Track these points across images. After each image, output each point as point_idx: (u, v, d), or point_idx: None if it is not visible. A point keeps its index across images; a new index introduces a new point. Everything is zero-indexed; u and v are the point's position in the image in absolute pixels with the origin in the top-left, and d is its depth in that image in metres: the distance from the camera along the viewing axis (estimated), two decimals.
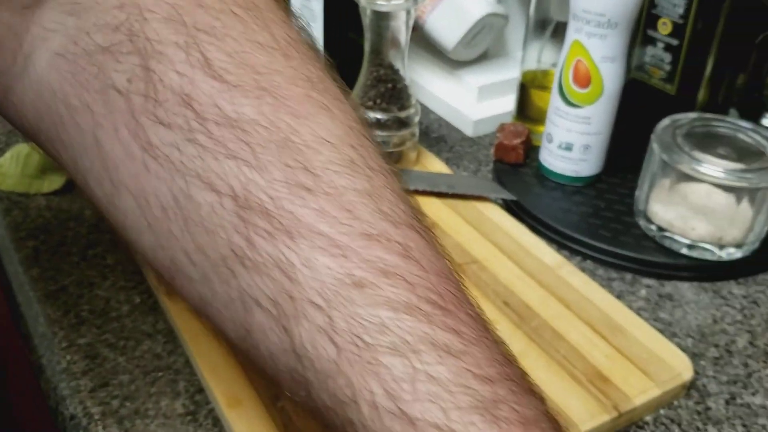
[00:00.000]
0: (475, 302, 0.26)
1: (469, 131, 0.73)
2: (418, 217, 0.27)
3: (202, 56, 0.26)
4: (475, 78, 0.75)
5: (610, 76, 0.57)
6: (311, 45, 0.29)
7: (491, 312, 0.48)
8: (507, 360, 0.25)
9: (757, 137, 0.54)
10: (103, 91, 0.27)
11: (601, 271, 0.55)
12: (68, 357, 0.47)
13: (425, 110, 0.77)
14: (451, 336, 0.23)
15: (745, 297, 0.53)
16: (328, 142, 0.26)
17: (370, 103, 0.61)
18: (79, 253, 0.55)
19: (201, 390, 0.44)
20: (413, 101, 0.63)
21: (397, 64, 0.61)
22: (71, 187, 0.61)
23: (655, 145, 0.54)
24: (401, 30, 0.59)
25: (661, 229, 0.55)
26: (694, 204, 0.53)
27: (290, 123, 0.26)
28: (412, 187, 0.60)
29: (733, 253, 0.54)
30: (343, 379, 0.23)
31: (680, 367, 0.45)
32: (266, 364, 0.26)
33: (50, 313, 0.50)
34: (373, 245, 0.24)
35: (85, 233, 0.57)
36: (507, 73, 0.74)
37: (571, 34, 0.57)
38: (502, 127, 0.66)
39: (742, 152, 0.53)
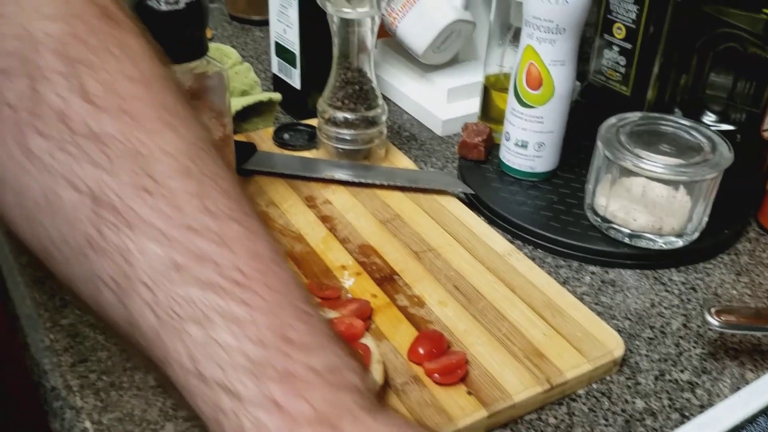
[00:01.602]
0: (284, 272, 0.32)
1: (438, 130, 0.77)
2: (244, 210, 0.33)
3: (79, 84, 0.33)
4: (445, 80, 0.79)
5: (560, 78, 0.61)
6: (170, 78, 0.36)
7: (442, 295, 0.52)
8: (298, 317, 0.30)
9: (697, 134, 0.58)
10: None
11: (550, 259, 0.59)
12: (51, 336, 0.51)
13: (398, 110, 0.81)
14: (242, 308, 0.29)
15: (684, 283, 0.57)
16: (170, 153, 0.32)
17: (339, 104, 0.66)
18: None
19: None
20: (380, 101, 0.67)
21: (365, 67, 0.65)
22: None
23: (599, 143, 0.58)
24: (367, 35, 0.63)
25: (605, 220, 0.59)
26: (636, 197, 0.57)
27: (141, 138, 0.32)
28: (377, 182, 0.64)
29: (673, 242, 0.58)
30: (161, 343, 0.30)
31: (612, 345, 0.49)
32: (116, 330, 0.33)
33: (37, 296, 0.54)
34: (193, 236, 0.30)
35: None
36: (475, 76, 0.78)
37: (524, 39, 0.61)
38: (465, 127, 0.70)
39: (681, 148, 0.57)
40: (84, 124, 0.32)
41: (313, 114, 0.71)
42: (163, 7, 0.50)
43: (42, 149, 0.32)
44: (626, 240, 0.58)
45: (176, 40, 0.51)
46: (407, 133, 0.77)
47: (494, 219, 0.62)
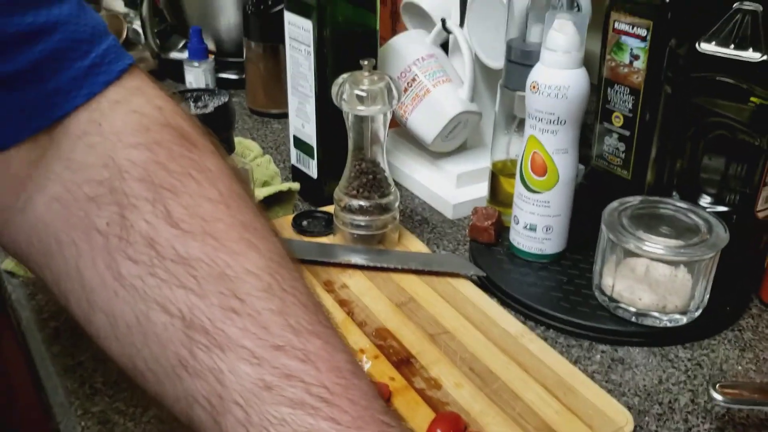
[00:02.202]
0: (364, 384, 0.34)
1: (449, 214, 0.81)
2: (321, 322, 0.35)
3: (165, 209, 0.35)
4: (454, 166, 0.83)
5: (563, 165, 0.64)
6: (248, 195, 0.39)
7: (458, 377, 0.55)
8: (382, 430, 0.33)
9: (694, 216, 0.61)
10: (87, 231, 0.36)
11: (561, 339, 0.61)
12: (83, 423, 0.53)
13: (410, 195, 0.85)
14: (330, 424, 0.31)
15: (689, 360, 0.59)
16: (253, 273, 0.35)
17: (354, 192, 0.69)
18: None
19: None
20: (392, 189, 0.71)
21: (378, 158, 0.69)
22: None
23: (603, 226, 0.61)
24: (380, 129, 0.68)
25: (612, 299, 0.61)
26: (640, 276, 0.60)
27: (226, 259, 0.35)
28: (392, 266, 0.67)
29: (678, 320, 0.60)
30: None
31: (622, 421, 0.51)
32: None
33: (68, 384, 0.56)
34: (280, 355, 0.33)
35: None
36: (483, 162, 0.82)
37: (528, 130, 0.65)
38: (475, 210, 0.73)
39: (680, 230, 0.60)
40: (172, 249, 0.34)
41: (329, 201, 0.75)
42: (194, 111, 0.54)
43: (133, 274, 0.34)
44: (633, 318, 0.60)
45: None
46: (419, 217, 0.81)
47: (506, 300, 0.65)
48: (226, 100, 0.55)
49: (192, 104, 0.54)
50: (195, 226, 0.35)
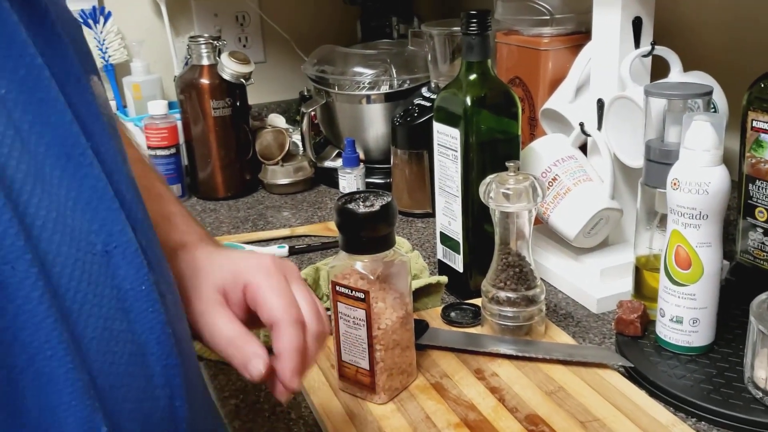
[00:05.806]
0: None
1: (593, 308, 0.83)
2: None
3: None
4: (597, 261, 0.86)
5: (708, 258, 0.66)
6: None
7: None
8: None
9: None
10: None
11: (715, 431, 0.61)
12: None
13: (553, 290, 0.88)
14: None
15: None
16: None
17: (501, 284, 0.74)
18: (270, 409, 0.68)
19: None
20: (538, 282, 0.74)
21: (523, 252, 0.74)
22: None
23: (752, 318, 0.62)
24: (525, 225, 0.73)
25: (766, 393, 0.61)
26: None
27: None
28: (540, 356, 0.70)
29: None
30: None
31: None
32: None
33: None
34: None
35: None
36: (625, 257, 0.84)
37: (670, 225, 0.68)
38: (620, 304, 0.75)
39: None
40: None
41: (473, 294, 0.79)
42: (362, 210, 0.62)
43: None
44: None
45: (373, 235, 0.62)
46: (563, 311, 0.84)
47: (655, 392, 0.66)
48: (390, 200, 0.62)
49: (361, 203, 0.62)
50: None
